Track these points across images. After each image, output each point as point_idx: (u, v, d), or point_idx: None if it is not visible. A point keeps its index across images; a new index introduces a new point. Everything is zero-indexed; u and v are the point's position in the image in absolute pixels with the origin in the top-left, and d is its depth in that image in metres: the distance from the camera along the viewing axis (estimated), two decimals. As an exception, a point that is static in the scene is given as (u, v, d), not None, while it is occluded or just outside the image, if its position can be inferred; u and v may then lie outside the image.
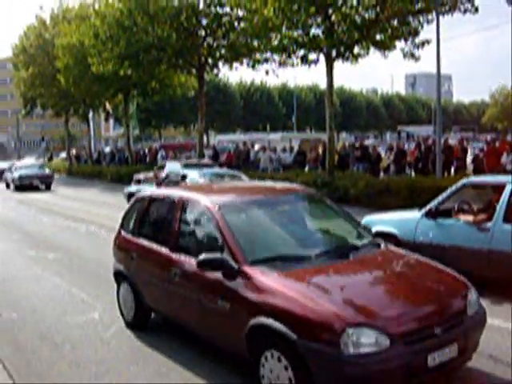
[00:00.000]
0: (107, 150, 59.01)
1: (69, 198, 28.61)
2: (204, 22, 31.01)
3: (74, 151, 58.38)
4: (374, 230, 9.32)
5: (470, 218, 9.49)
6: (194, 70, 33.48)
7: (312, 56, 26.46)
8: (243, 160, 32.16)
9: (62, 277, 11.13)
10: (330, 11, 23.45)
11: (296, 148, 32.93)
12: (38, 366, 6.80)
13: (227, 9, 29.91)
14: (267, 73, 29.81)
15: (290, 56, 26.88)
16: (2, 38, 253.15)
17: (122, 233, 8.39)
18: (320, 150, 28.53)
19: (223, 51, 31.61)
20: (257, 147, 35.93)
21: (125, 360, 6.79)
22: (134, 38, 30.38)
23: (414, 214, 10.19)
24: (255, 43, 28.28)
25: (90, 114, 55.87)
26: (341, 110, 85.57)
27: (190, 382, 6.11)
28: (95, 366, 6.65)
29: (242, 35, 27.56)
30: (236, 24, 29.61)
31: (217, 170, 21.74)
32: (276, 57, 28.96)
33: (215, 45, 31.55)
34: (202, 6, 30.45)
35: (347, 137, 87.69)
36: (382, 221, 10.70)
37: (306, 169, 27.94)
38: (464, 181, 9.94)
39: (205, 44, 31.54)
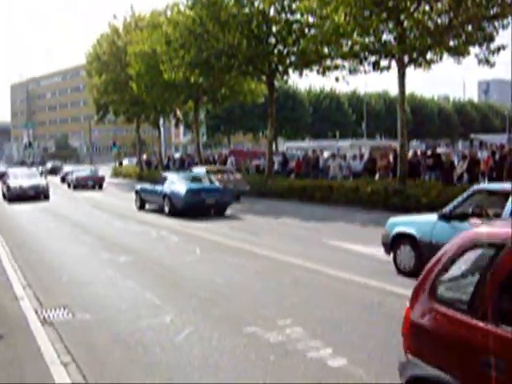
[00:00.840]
0: (177, 155, 59.79)
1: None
2: (274, 28, 31.04)
3: (144, 157, 59.37)
4: (396, 230, 11.38)
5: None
6: (264, 77, 33.58)
7: (384, 62, 26.25)
8: (312, 167, 32.05)
9: (135, 280, 11.29)
10: (402, 17, 23.19)
11: (366, 155, 32.59)
12: (110, 368, 6.90)
13: (298, 15, 29.92)
14: (337, 80, 29.63)
15: (361, 62, 26.70)
16: (76, 46, 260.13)
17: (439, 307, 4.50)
18: (391, 158, 28.16)
19: (293, 58, 31.57)
20: (326, 154, 35.75)
21: (196, 365, 6.82)
22: (205, 46, 30.72)
23: (431, 217, 10.97)
24: (325, 50, 28.18)
25: (161, 121, 56.78)
26: (411, 117, 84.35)
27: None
28: (167, 370, 6.70)
29: (312, 42, 27.48)
30: (306, 31, 29.54)
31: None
32: (346, 63, 28.81)
33: (285, 52, 31.54)
34: (272, 13, 30.50)
35: (418, 144, 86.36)
36: (404, 222, 11.64)
37: (377, 177, 27.59)
38: (474, 187, 11.03)
39: (275, 51, 31.55)
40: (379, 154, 30.92)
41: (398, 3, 22.30)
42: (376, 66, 26.47)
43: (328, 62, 29.98)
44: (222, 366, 6.76)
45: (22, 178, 33.10)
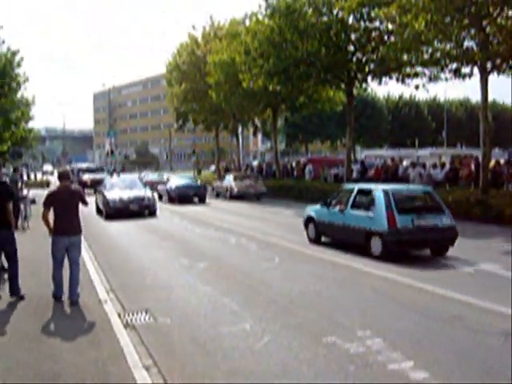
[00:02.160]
0: (255, 163, 60.18)
1: (218, 210, 29.43)
2: (353, 36, 30.87)
3: (223, 164, 59.99)
4: (306, 214, 17.86)
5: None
6: (342, 85, 33.45)
7: (465, 69, 25.76)
8: (391, 176, 31.64)
9: (214, 286, 11.42)
10: (485, 23, 22.68)
11: (447, 164, 31.94)
12: (190, 372, 7.00)
13: (377, 23, 29.70)
14: (417, 87, 29.24)
15: (441, 69, 26.28)
16: (156, 55, 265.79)
17: None
18: (473, 167, 27.51)
19: (372, 66, 31.34)
20: (405, 163, 35.24)
21: (276, 372, 6.84)
22: (283, 54, 30.85)
23: (320, 206, 17.36)
24: (405, 57, 27.83)
25: (240, 129, 57.27)
26: (493, 124, 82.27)
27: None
28: (247, 376, 6.75)
29: (391, 49, 27.22)
30: (386, 38, 29.28)
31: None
32: (427, 71, 28.39)
33: (364, 59, 31.34)
34: (351, 20, 30.36)
35: (500, 153, 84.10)
36: (311, 209, 17.88)
37: (458, 186, 26.94)
38: (341, 187, 18.20)
39: (354, 59, 31.40)
40: (461, 163, 30.25)
41: (481, 9, 21.82)
42: (457, 73, 26.02)
43: (408, 70, 29.61)
44: (302, 374, 6.76)
45: (121, 188, 27.33)
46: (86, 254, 15.48)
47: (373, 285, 11.28)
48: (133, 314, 9.46)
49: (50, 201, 10.61)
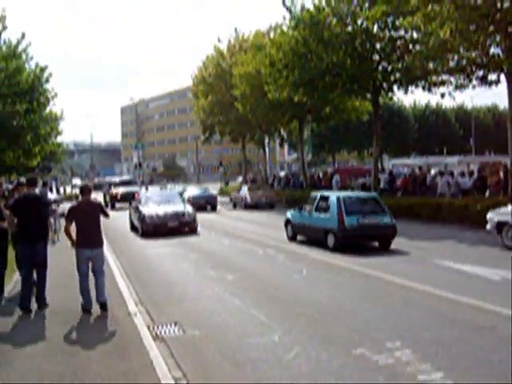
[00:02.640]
0: (282, 174, 60.24)
1: (244, 221, 29.51)
2: (378, 46, 30.82)
3: (250, 175, 60.14)
4: (286, 217, 21.39)
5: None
6: (368, 95, 33.39)
7: (492, 76, 25.60)
8: (419, 185, 31.50)
9: (242, 298, 11.46)
10: (510, 29, 22.52)
11: (475, 172, 31.65)
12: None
13: (402, 32, 29.62)
14: (443, 96, 29.10)
15: (468, 77, 26.13)
16: (182, 68, 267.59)
17: None
18: (501, 174, 27.24)
19: (398, 75, 31.24)
20: (433, 171, 35.02)
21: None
22: (308, 65, 30.91)
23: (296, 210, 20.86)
24: (431, 65, 27.73)
25: (266, 140, 57.41)
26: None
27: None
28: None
29: (417, 58, 27.13)
30: (411, 47, 29.19)
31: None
32: (453, 79, 28.24)
33: (390, 68, 31.25)
34: (376, 30, 30.34)
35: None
36: (289, 213, 21.40)
37: (487, 194, 26.66)
38: (312, 194, 20.92)
39: (379, 68, 31.34)
40: (489, 171, 29.97)
41: (506, 15, 21.68)
42: (484, 80, 25.86)
43: (434, 78, 29.48)
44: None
45: (158, 202, 25.23)
46: (114, 267, 15.67)
47: (402, 295, 11.24)
48: (162, 327, 9.53)
49: (71, 215, 11.04)
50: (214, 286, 12.86)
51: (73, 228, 10.92)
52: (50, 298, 11.34)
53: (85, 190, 11.42)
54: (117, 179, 54.68)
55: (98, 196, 36.54)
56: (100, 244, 11.07)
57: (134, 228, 25.78)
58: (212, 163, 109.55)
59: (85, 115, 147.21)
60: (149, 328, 9.42)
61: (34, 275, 11.33)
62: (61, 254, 17.38)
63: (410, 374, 7.02)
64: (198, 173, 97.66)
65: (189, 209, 24.80)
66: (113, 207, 42.78)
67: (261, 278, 13.80)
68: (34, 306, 10.99)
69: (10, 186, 30.77)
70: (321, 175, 45.58)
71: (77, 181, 77.14)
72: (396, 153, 73.57)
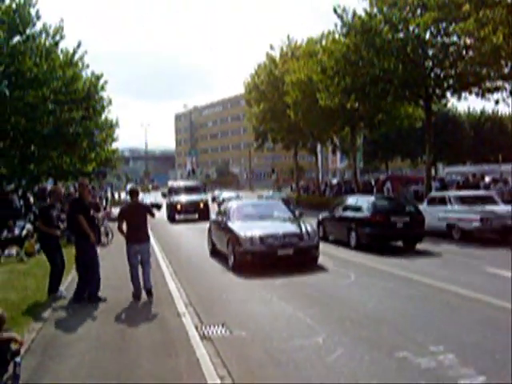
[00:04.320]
0: (334, 181, 60.13)
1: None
2: (430, 52, 30.63)
3: (302, 182, 60.22)
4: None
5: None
6: (421, 101, 33.16)
7: (547, 82, 25.26)
8: (472, 192, 31.10)
9: (288, 301, 11.61)
10: None
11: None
12: (263, 382, 7.23)
13: (454, 38, 29.38)
14: (497, 102, 28.80)
15: (523, 83, 25.86)
16: (234, 76, 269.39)
17: None
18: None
19: (451, 81, 30.97)
20: (487, 179, 34.54)
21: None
22: (360, 72, 30.93)
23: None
24: (484, 71, 27.48)
25: (318, 147, 57.40)
26: None
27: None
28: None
29: (470, 64, 26.91)
30: (464, 53, 28.95)
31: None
32: (507, 85, 27.92)
33: (442, 75, 31.00)
34: (428, 36, 30.15)
35: None
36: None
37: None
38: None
39: (432, 74, 31.11)
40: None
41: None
42: (539, 86, 25.56)
43: (487, 84, 29.18)
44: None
45: (255, 216, 17.81)
46: (165, 270, 16.03)
47: (448, 301, 11.23)
48: (209, 327, 9.75)
49: (122, 215, 12.79)
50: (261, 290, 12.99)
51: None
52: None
53: (133, 193, 12.93)
54: (180, 183, 44.89)
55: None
56: (147, 239, 12.73)
57: (215, 252, 19.20)
58: (264, 170, 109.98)
59: (140, 123, 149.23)
60: (197, 328, 9.68)
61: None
62: (109, 254, 17.83)
63: (452, 377, 7.05)
64: (251, 179, 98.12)
65: (308, 228, 16.67)
66: (173, 220, 36.58)
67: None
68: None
69: (66, 192, 31.61)
70: (373, 182, 45.40)
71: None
72: (450, 161, 72.58)
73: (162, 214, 35.98)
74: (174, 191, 39.41)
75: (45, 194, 26.65)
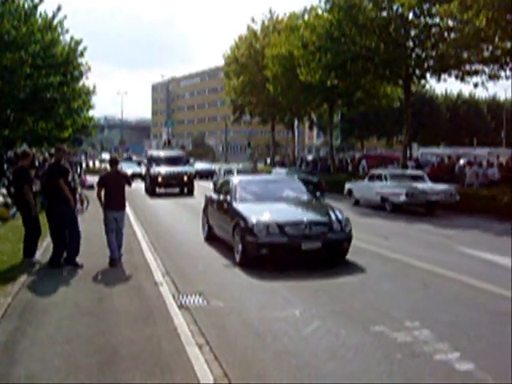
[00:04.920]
0: (309, 157, 60.24)
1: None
2: (413, 32, 30.73)
3: (277, 158, 60.26)
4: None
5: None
6: (400, 81, 33.28)
7: (527, 67, 25.47)
8: (447, 174, 31.41)
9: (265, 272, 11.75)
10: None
11: (505, 164, 31.52)
12: (241, 352, 7.30)
13: (437, 19, 29.45)
14: (476, 85, 29.04)
15: (502, 67, 26.00)
16: (213, 48, 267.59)
17: None
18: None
19: (431, 62, 31.11)
20: (462, 161, 34.87)
21: (323, 356, 7.06)
22: (341, 48, 30.90)
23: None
24: (465, 54, 27.62)
25: (295, 123, 57.38)
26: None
27: None
28: (295, 359, 6.98)
29: (451, 46, 27.02)
30: (446, 35, 29.05)
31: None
32: (486, 68, 28.11)
33: (423, 55, 31.12)
34: (411, 16, 30.20)
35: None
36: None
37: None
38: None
39: (413, 55, 31.22)
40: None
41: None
42: (518, 70, 25.76)
43: (467, 67, 29.36)
44: (349, 360, 6.95)
45: (267, 197, 14.35)
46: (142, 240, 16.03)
47: (423, 278, 11.38)
48: (187, 297, 9.80)
49: (102, 182, 13.06)
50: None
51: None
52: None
53: (113, 162, 13.38)
54: (161, 153, 39.73)
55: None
56: (124, 207, 13.19)
57: (211, 237, 15.90)
58: (241, 144, 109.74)
59: (116, 91, 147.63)
60: (174, 297, 9.75)
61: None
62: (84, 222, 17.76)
63: (427, 352, 7.15)
64: (226, 152, 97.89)
65: (337, 214, 13.31)
66: (152, 194, 33.06)
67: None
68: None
69: (41, 157, 31.26)
70: (349, 160, 45.58)
71: (106, 155, 77.72)
72: (425, 142, 73.06)
73: (139, 186, 35.54)
74: (153, 161, 35.20)
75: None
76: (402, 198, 23.35)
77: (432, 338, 7.69)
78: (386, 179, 25.31)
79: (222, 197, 14.97)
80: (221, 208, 14.75)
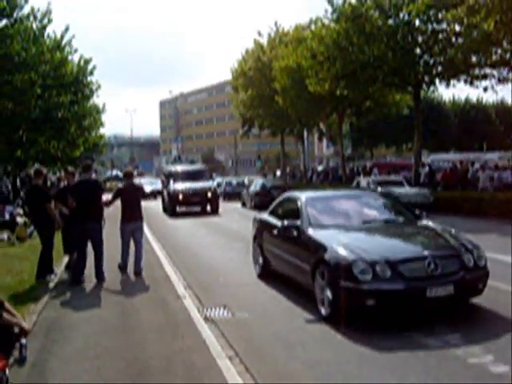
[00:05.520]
0: (320, 168, 60.25)
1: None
2: (420, 39, 30.72)
3: (288, 169, 60.28)
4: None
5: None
6: (409, 88, 33.26)
7: (535, 70, 25.44)
8: (460, 179, 31.33)
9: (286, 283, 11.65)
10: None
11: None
12: (271, 362, 7.24)
13: (444, 25, 29.47)
14: (485, 90, 28.95)
15: (511, 70, 25.99)
16: (221, 62, 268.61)
17: None
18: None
19: (440, 68, 31.09)
20: (476, 166, 34.77)
21: (352, 362, 7.02)
22: (350, 58, 30.88)
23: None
24: (474, 59, 27.59)
25: (305, 134, 57.40)
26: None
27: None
28: (326, 366, 6.94)
29: (460, 51, 27.00)
30: (453, 40, 29.04)
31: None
32: (496, 72, 28.07)
33: (432, 62, 31.11)
34: (418, 23, 30.23)
35: None
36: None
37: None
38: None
39: (421, 61, 31.21)
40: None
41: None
42: (527, 73, 25.74)
43: (476, 71, 29.31)
44: (380, 365, 6.90)
45: (355, 222, 10.38)
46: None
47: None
48: (211, 309, 9.76)
49: (117, 193, 13.48)
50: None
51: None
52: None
53: (127, 175, 13.80)
54: (180, 168, 35.97)
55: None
56: (141, 218, 13.37)
57: (268, 273, 12.21)
58: (250, 157, 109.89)
59: (125, 109, 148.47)
60: (198, 310, 9.70)
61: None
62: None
63: (460, 356, 7.09)
64: (236, 166, 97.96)
65: (464, 241, 9.58)
66: (172, 213, 30.13)
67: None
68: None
69: (54, 178, 31.35)
70: (360, 169, 45.56)
71: (117, 173, 77.98)
72: (435, 148, 72.95)
73: (157, 206, 34.91)
74: (172, 177, 31.83)
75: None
76: None
77: (464, 342, 7.63)
78: (369, 185, 29.21)
79: (285, 221, 10.75)
80: (285, 236, 10.83)
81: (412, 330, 8.11)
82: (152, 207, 34.60)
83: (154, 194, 44.95)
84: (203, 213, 30.59)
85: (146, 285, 12.10)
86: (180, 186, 30.32)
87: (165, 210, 32.24)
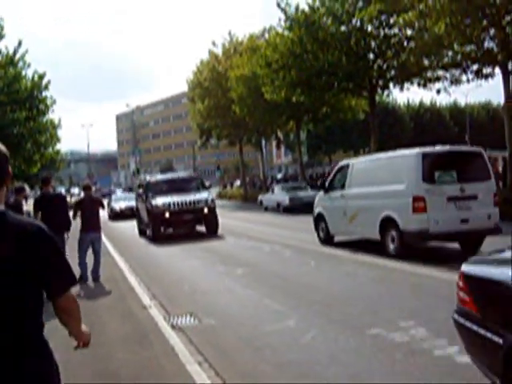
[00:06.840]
0: (279, 176, 60.50)
1: (249, 222, 29.68)
2: (373, 44, 31.18)
3: (247, 178, 60.39)
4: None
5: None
6: (364, 93, 33.64)
7: (487, 70, 25.91)
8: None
9: (253, 289, 11.66)
10: (504, 22, 22.83)
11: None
12: (242, 367, 7.20)
13: (396, 29, 29.95)
14: (439, 91, 29.46)
15: (464, 71, 26.45)
16: (176, 75, 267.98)
17: None
18: (500, 168, 27.54)
19: (393, 72, 31.56)
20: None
21: (325, 363, 7.04)
22: (304, 65, 31.19)
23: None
24: (426, 61, 28.05)
25: (263, 142, 57.55)
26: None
27: None
28: (298, 368, 6.94)
29: (412, 54, 27.43)
30: (406, 43, 29.52)
31: None
32: (448, 74, 28.56)
33: (385, 66, 31.58)
34: (370, 28, 30.66)
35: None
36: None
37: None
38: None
39: (375, 66, 31.66)
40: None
41: (500, 8, 21.98)
42: (479, 74, 26.18)
43: (429, 74, 29.81)
44: (351, 363, 6.94)
45: None
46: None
47: (412, 282, 11.39)
48: (178, 317, 9.71)
49: (78, 206, 14.18)
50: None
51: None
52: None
53: (86, 188, 14.65)
54: (163, 178, 27.07)
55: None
56: (99, 229, 14.13)
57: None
58: (209, 168, 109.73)
59: (81, 124, 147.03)
60: (165, 319, 9.64)
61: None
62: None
63: (426, 349, 7.17)
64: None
65: None
66: (156, 237, 22.62)
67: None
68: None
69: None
70: (318, 175, 45.86)
71: (75, 190, 76.96)
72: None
73: (131, 228, 28.34)
74: (151, 190, 23.92)
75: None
76: (287, 201, 33.93)
77: (429, 335, 7.72)
78: (281, 190, 36.35)
79: None
80: None
81: (377, 327, 8.19)
82: (125, 230, 29.46)
83: (133, 212, 31.08)
84: (195, 234, 24.14)
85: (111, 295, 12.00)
86: (164, 200, 22.67)
87: (141, 232, 25.46)
